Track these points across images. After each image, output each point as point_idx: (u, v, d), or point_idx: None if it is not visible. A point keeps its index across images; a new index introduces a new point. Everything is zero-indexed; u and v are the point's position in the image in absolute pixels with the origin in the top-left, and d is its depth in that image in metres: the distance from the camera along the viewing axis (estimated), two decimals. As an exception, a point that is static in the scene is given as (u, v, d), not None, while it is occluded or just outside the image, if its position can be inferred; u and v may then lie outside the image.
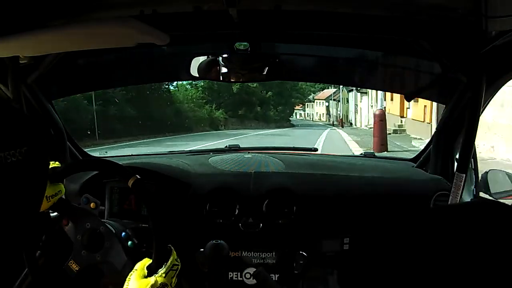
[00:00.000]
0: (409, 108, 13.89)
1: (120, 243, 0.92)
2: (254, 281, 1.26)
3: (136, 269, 0.78)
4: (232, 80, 1.43)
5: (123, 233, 0.95)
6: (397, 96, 13.48)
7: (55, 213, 0.98)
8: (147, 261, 0.80)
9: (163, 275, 0.76)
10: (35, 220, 0.61)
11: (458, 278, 0.35)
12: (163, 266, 0.78)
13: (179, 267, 0.81)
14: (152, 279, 0.75)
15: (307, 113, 61.50)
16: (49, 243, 0.96)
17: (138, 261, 0.81)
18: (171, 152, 1.97)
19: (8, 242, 0.47)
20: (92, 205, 1.02)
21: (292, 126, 33.45)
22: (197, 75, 1.44)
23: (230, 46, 1.30)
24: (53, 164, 0.93)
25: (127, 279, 0.77)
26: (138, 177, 0.84)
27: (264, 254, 1.29)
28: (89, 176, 1.33)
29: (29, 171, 0.46)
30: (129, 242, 0.94)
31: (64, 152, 1.49)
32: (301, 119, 56.61)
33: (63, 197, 0.94)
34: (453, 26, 0.94)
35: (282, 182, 1.37)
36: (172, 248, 0.83)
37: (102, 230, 0.93)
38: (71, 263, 0.92)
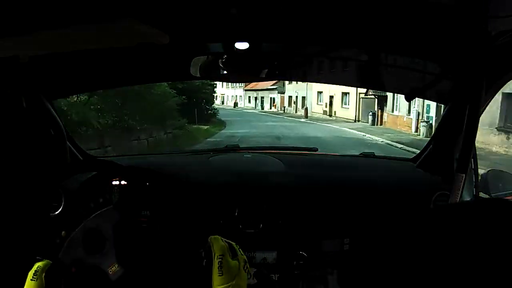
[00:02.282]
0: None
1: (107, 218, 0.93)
2: (255, 281, 1.26)
3: (222, 254, 0.83)
4: (232, 80, 1.44)
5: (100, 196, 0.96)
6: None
7: (57, 212, 0.98)
8: (220, 244, 0.86)
9: (240, 252, 0.88)
10: (45, 220, 0.62)
11: (460, 278, 0.35)
12: (235, 248, 0.88)
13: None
14: (240, 258, 0.85)
15: (225, 96, 38.57)
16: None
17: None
18: (171, 152, 1.97)
19: (22, 245, 0.47)
20: (63, 233, 1.01)
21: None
22: (197, 75, 1.44)
23: (230, 46, 1.30)
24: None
25: (214, 263, 0.82)
26: (104, 159, 0.86)
27: (264, 254, 1.29)
28: (89, 176, 1.33)
29: (37, 173, 0.47)
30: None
31: (64, 152, 1.49)
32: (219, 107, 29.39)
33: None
34: (453, 26, 0.94)
35: (282, 182, 1.37)
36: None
37: (93, 229, 0.93)
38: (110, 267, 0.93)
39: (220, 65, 1.36)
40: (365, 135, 15.08)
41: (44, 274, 0.87)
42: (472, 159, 1.30)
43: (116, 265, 0.92)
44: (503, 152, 10.73)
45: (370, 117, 18.95)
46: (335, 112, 23.56)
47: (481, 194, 1.38)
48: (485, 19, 0.83)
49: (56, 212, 1.28)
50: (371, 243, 0.44)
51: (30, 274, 0.81)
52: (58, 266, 0.91)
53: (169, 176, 1.36)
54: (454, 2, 0.83)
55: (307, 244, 1.29)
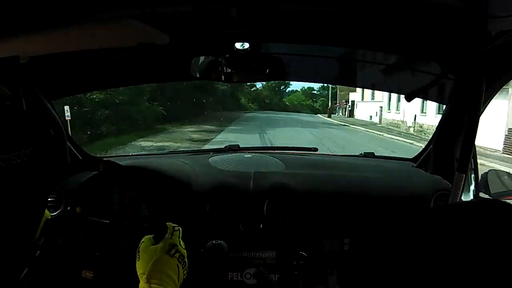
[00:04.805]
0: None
1: (117, 228, 0.93)
2: (254, 281, 1.26)
3: (142, 241, 0.82)
4: (232, 80, 1.43)
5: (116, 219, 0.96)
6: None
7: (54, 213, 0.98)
8: (149, 236, 0.83)
9: (169, 236, 0.81)
10: (38, 220, 0.62)
11: (459, 278, 0.35)
12: (166, 233, 0.82)
13: (180, 229, 0.86)
14: (160, 243, 0.79)
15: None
16: (50, 265, 0.96)
17: (139, 232, 0.86)
18: (171, 152, 1.97)
19: (14, 241, 0.47)
20: (78, 209, 1.01)
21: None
22: (197, 75, 1.44)
23: (230, 46, 1.30)
24: None
25: (137, 252, 0.80)
26: (104, 159, 0.87)
27: (264, 254, 1.29)
28: (89, 176, 1.33)
29: (34, 172, 0.47)
30: (126, 222, 0.95)
31: (64, 152, 1.49)
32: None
33: (49, 218, 0.94)
34: (453, 26, 0.94)
35: (282, 182, 1.36)
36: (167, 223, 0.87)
37: (97, 226, 0.93)
38: (84, 272, 0.93)
39: (220, 65, 1.36)
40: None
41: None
42: (472, 159, 1.30)
43: (91, 275, 0.92)
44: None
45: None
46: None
47: (481, 194, 1.38)
48: (485, 19, 0.83)
49: (57, 212, 1.29)
50: (371, 243, 0.44)
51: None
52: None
53: (170, 176, 1.36)
54: (454, 2, 0.83)
55: (307, 244, 1.29)
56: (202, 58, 1.38)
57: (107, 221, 0.95)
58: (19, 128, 0.46)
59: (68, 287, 0.93)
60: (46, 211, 0.93)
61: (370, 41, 1.28)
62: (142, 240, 0.82)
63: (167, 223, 0.85)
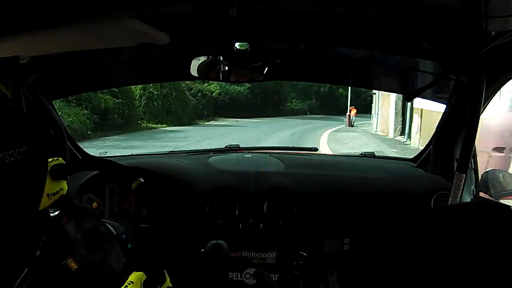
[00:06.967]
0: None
1: (119, 245, 0.92)
2: (254, 281, 1.26)
3: (131, 282, 0.78)
4: (232, 80, 1.44)
5: (123, 235, 0.95)
6: None
7: (56, 212, 0.98)
8: (142, 276, 0.79)
9: None
10: (34, 220, 0.62)
11: (457, 279, 0.35)
12: (159, 286, 0.79)
13: None
14: None
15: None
16: (48, 240, 0.96)
17: (137, 264, 0.82)
18: (171, 152, 1.97)
19: (7, 242, 0.47)
20: (94, 205, 1.01)
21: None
22: (197, 75, 1.44)
23: (230, 46, 1.30)
24: (56, 161, 0.92)
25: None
26: (142, 180, 0.84)
27: (264, 254, 1.29)
28: (89, 176, 1.33)
29: (28, 171, 0.46)
30: (129, 245, 0.94)
31: (64, 152, 1.49)
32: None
33: (65, 194, 0.94)
34: (453, 26, 0.94)
35: (282, 182, 1.36)
36: (166, 272, 0.84)
37: (102, 231, 0.93)
38: (69, 261, 0.92)
39: (220, 65, 1.36)
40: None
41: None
42: (472, 159, 1.30)
43: (75, 266, 0.91)
44: None
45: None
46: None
47: (481, 194, 1.38)
48: (485, 19, 0.83)
49: (57, 212, 1.28)
50: (371, 243, 0.44)
51: None
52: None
53: (169, 176, 1.36)
54: (454, 3, 0.83)
55: (307, 244, 1.29)
56: (202, 58, 1.38)
57: (114, 232, 0.94)
58: (13, 127, 0.46)
59: (52, 272, 0.93)
60: (64, 185, 0.91)
61: (370, 41, 1.28)
62: (131, 280, 0.78)
63: (166, 276, 0.82)
